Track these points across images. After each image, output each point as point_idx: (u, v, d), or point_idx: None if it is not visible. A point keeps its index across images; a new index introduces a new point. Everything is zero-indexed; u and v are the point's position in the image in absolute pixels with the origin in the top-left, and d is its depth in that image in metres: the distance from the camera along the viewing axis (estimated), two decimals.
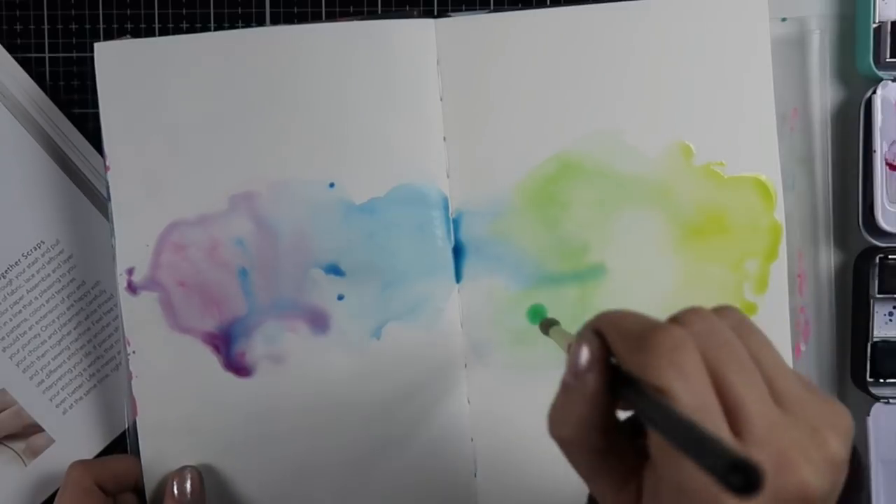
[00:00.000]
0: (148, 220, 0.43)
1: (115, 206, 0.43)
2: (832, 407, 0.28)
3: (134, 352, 0.44)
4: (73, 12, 0.46)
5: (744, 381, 0.26)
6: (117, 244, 0.43)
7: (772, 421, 0.26)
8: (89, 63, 0.43)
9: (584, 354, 0.28)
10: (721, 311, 0.29)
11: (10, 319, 0.46)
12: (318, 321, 0.43)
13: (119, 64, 0.43)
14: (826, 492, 0.26)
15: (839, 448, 0.26)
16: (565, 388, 0.28)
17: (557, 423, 0.28)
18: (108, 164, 0.43)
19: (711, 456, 0.22)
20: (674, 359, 0.25)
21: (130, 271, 0.43)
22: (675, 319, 0.28)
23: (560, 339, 0.37)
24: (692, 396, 0.25)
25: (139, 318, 0.43)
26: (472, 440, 0.44)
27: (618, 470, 0.28)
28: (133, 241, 0.43)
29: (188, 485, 0.43)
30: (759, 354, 0.27)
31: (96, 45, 0.43)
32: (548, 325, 0.40)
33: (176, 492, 0.42)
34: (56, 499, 0.42)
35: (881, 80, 0.43)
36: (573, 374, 0.28)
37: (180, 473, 0.43)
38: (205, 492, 0.43)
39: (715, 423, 0.25)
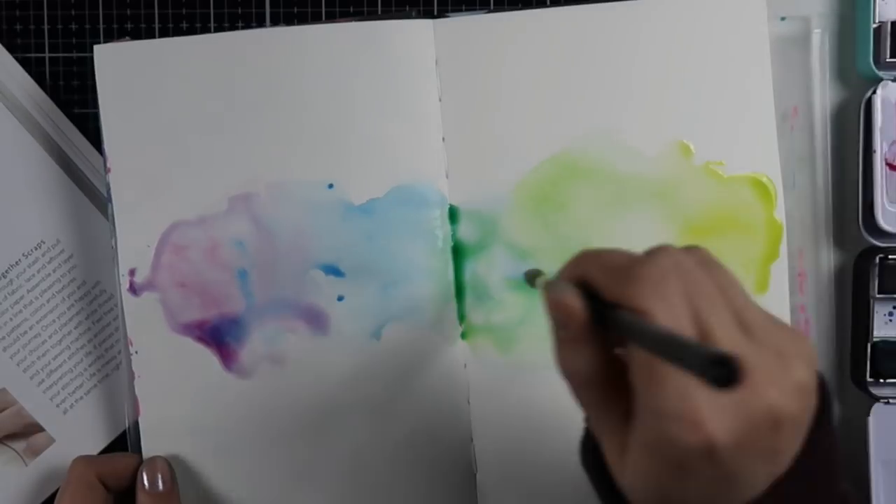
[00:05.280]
0: (149, 221, 0.43)
1: (117, 207, 0.43)
2: (797, 337, 0.29)
3: (137, 352, 0.44)
4: (73, 12, 0.46)
5: (714, 311, 0.28)
6: (119, 245, 0.43)
7: (739, 347, 0.27)
8: (89, 63, 0.43)
9: (562, 306, 0.30)
10: (691, 249, 0.31)
11: (11, 319, 0.46)
12: (318, 322, 0.43)
13: (119, 66, 0.43)
14: (794, 415, 0.28)
15: (805, 374, 0.28)
16: (557, 338, 0.31)
17: (564, 365, 0.31)
18: (109, 165, 0.43)
19: (691, 356, 0.24)
20: (659, 288, 0.28)
21: (132, 272, 0.44)
22: (650, 254, 0.30)
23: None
24: (671, 319, 0.27)
25: (141, 318, 0.44)
26: (471, 440, 0.44)
27: (615, 401, 0.30)
28: (135, 242, 0.44)
29: (158, 475, 0.43)
30: (728, 289, 0.29)
31: (96, 48, 0.43)
32: (533, 277, 0.41)
33: (147, 484, 0.43)
34: (59, 493, 0.42)
35: (881, 80, 0.43)
36: (558, 324, 0.30)
37: (150, 464, 0.43)
38: (176, 481, 0.43)
39: None
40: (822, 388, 0.30)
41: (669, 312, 0.27)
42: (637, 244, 0.43)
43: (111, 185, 0.43)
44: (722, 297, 0.29)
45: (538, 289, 0.36)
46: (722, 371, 0.23)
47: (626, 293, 0.28)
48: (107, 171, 0.43)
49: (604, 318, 0.29)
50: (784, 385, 0.27)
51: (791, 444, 0.28)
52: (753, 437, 0.27)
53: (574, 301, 0.30)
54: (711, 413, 0.26)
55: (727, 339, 0.27)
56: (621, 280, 0.29)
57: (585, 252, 0.32)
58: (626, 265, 0.29)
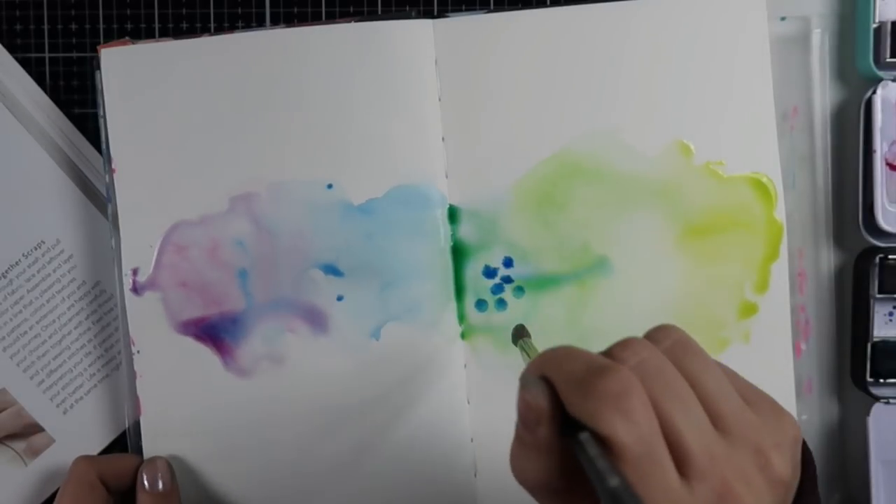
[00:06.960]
0: (152, 221, 0.44)
1: (121, 208, 0.43)
2: (775, 422, 0.28)
3: (139, 351, 0.44)
4: (73, 12, 0.46)
5: (682, 414, 0.26)
6: (122, 245, 0.44)
7: (712, 452, 0.26)
8: (89, 63, 0.43)
9: (532, 409, 0.27)
10: (656, 333, 0.29)
11: (11, 319, 0.46)
12: (318, 322, 0.43)
13: (124, 69, 0.43)
14: None
15: (782, 466, 0.27)
16: (519, 438, 0.28)
17: (518, 469, 0.28)
18: (113, 166, 0.43)
19: None
20: (620, 405, 0.25)
21: (135, 271, 0.44)
22: (613, 355, 0.27)
23: (526, 355, 0.37)
24: (639, 443, 0.25)
25: (143, 318, 0.44)
26: (471, 440, 0.44)
27: None
28: (138, 241, 0.44)
29: (159, 475, 0.43)
30: (698, 377, 0.27)
31: (102, 52, 0.43)
32: (518, 335, 0.40)
33: (147, 484, 0.43)
34: (59, 491, 0.42)
35: (881, 80, 0.43)
36: (524, 425, 0.28)
37: (150, 465, 0.43)
38: (176, 481, 0.44)
39: (662, 466, 0.25)
40: (807, 458, 0.29)
41: (633, 431, 0.25)
42: (637, 244, 0.44)
43: (116, 186, 0.43)
44: (690, 393, 0.27)
45: (519, 350, 0.36)
46: None
47: (586, 411, 0.26)
48: (111, 172, 0.43)
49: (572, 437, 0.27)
50: (759, 484, 0.26)
51: None
52: None
53: (544, 408, 0.27)
54: None
55: (698, 446, 0.26)
56: (581, 394, 0.26)
57: (547, 354, 0.29)
58: (584, 377, 0.26)
